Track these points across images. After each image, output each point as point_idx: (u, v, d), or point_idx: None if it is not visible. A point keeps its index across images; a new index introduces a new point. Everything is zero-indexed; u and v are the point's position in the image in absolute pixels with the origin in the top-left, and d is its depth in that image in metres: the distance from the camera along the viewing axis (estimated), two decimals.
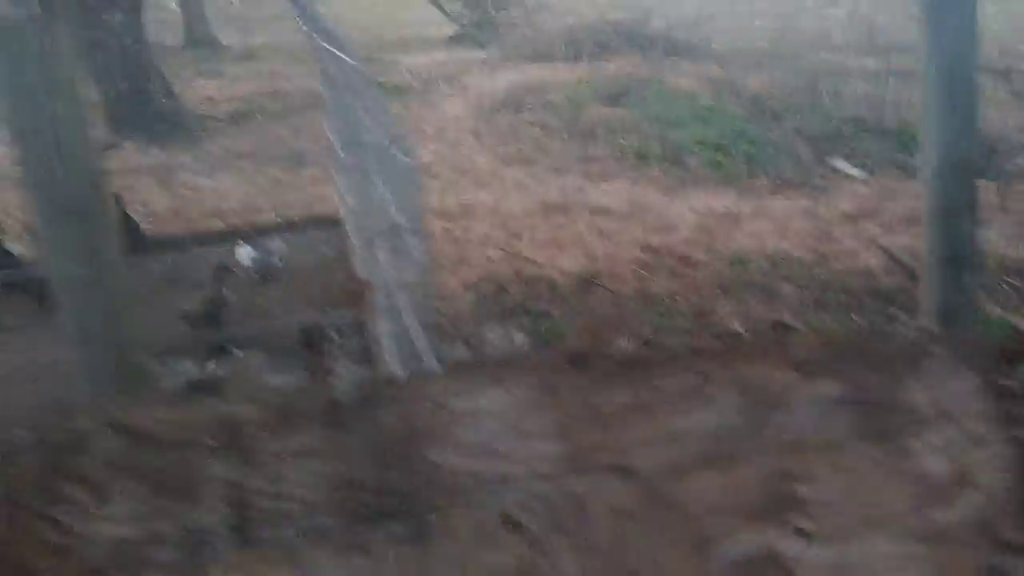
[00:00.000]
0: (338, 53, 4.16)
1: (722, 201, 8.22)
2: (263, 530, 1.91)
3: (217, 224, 7.81)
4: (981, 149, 2.70)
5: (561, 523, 2.05)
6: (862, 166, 9.19)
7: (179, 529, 1.88)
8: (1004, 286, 6.34)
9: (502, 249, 7.09)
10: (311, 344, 5.26)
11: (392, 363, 3.03)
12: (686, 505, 2.17)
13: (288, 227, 7.53)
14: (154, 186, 8.70)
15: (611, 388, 2.38)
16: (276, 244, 6.63)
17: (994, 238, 6.84)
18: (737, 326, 5.50)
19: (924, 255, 2.88)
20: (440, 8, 17.73)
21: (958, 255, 2.65)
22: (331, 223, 7.13)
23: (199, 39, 20.54)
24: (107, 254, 1.95)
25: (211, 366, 4.76)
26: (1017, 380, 3.11)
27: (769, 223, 7.73)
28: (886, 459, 2.25)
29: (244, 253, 6.42)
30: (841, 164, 9.22)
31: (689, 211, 7.97)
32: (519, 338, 5.73)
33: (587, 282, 6.35)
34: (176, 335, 5.66)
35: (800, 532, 2.09)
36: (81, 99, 1.90)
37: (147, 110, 9.88)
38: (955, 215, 2.62)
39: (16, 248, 6.42)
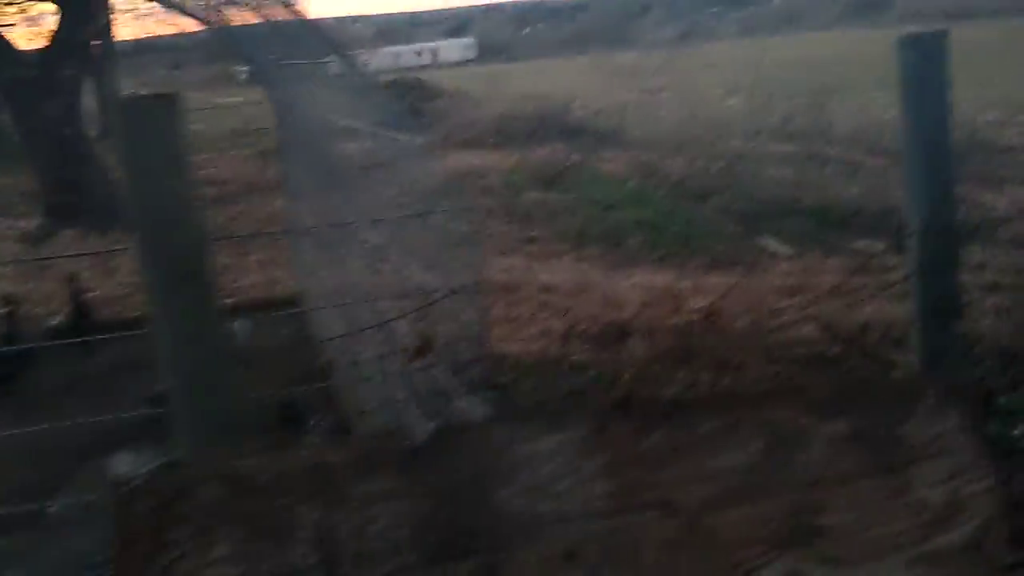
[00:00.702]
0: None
1: (661, 279, 8.62)
2: (352, 568, 2.07)
3: None
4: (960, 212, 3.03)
5: (616, 555, 2.25)
6: (789, 245, 9.73)
7: (277, 570, 2.03)
8: None
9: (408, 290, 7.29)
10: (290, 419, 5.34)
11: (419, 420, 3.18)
12: (723, 536, 2.40)
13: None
14: (97, 275, 8.68)
15: (653, 432, 2.61)
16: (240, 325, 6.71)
17: None
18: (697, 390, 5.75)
19: (913, 308, 3.19)
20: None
21: (944, 307, 2.98)
22: (288, 304, 7.26)
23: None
24: (212, 313, 2.12)
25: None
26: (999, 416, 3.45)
27: (709, 298, 8.12)
28: (893, 490, 2.52)
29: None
30: (769, 242, 9.75)
31: (632, 289, 8.33)
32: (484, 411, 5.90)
33: (553, 358, 6.58)
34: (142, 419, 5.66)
35: (824, 557, 2.34)
36: (193, 173, 2.09)
37: (86, 198, 9.88)
38: (940, 269, 2.95)
39: None
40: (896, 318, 7.44)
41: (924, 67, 2.82)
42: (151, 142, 2.05)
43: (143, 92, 2.19)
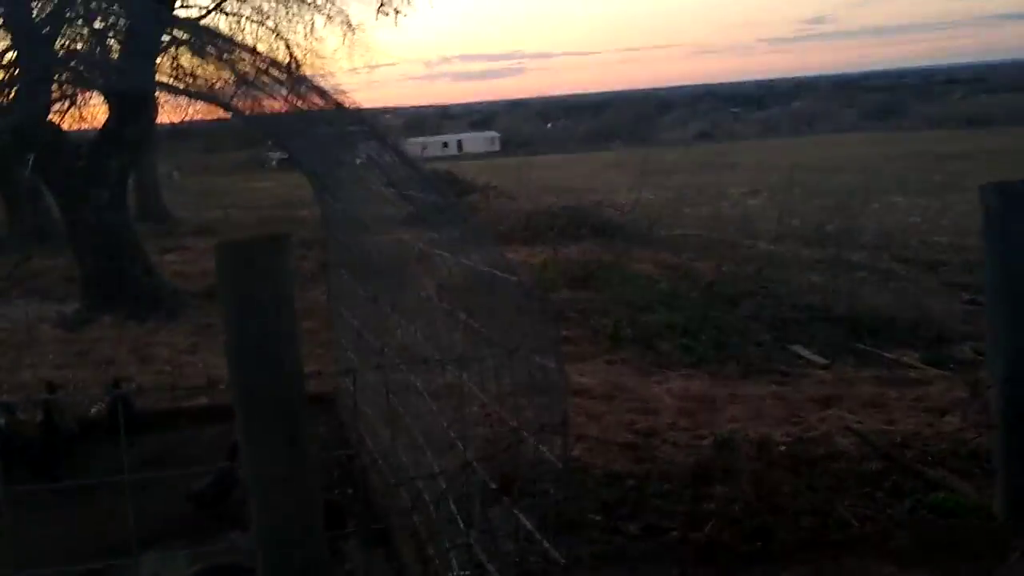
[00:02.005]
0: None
1: (696, 384, 8.58)
2: None
3: (203, 401, 7.86)
4: None
5: None
6: (821, 353, 9.70)
7: None
8: None
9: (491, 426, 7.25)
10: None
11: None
12: None
13: None
14: (136, 361, 8.73)
15: None
16: None
17: None
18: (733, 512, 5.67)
19: (997, 454, 3.16)
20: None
21: None
22: (321, 401, 7.25)
23: (152, 212, 20.78)
24: (309, 456, 2.14)
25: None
26: None
27: (744, 408, 8.07)
28: None
29: None
30: (802, 351, 9.72)
31: (667, 394, 8.30)
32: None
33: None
34: (181, 516, 5.61)
35: None
36: (295, 315, 2.13)
37: (126, 285, 9.99)
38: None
39: None
40: (934, 433, 7.38)
41: (1009, 216, 2.83)
42: (258, 285, 2.09)
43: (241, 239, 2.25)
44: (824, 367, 9.36)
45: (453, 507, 3.52)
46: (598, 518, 5.87)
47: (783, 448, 7.16)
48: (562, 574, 2.46)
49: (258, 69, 5.35)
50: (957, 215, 21.27)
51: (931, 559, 2.52)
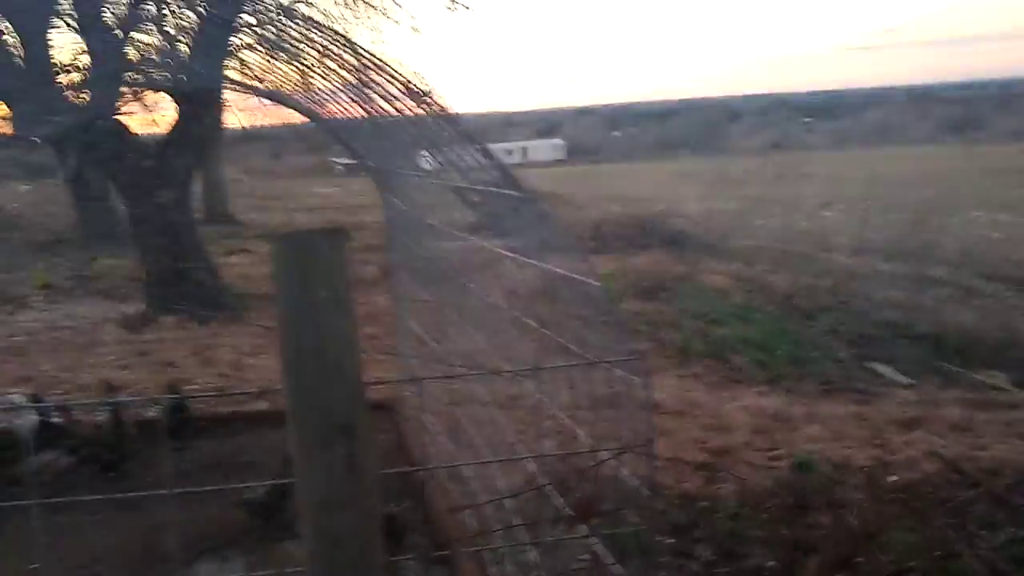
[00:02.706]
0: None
1: (771, 402, 8.20)
2: None
3: (262, 405, 7.72)
4: None
5: None
6: (904, 372, 9.24)
7: None
8: None
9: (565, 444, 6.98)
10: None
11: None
12: None
13: None
14: (197, 364, 8.63)
15: None
16: None
17: None
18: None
19: None
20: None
21: None
22: (384, 408, 7.06)
23: (218, 215, 20.94)
24: (369, 475, 1.88)
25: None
26: None
27: (823, 428, 7.68)
28: None
29: None
30: (884, 369, 9.27)
31: (741, 411, 7.94)
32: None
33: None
34: (236, 524, 5.45)
35: None
36: (355, 316, 1.88)
37: (189, 286, 9.93)
38: None
39: None
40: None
41: None
42: (315, 282, 1.85)
43: (303, 231, 2.00)
44: (907, 387, 8.90)
45: (522, 529, 3.26)
46: (669, 541, 5.57)
47: (865, 471, 6.80)
48: None
49: (326, 72, 5.18)
50: None
51: None
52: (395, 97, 3.09)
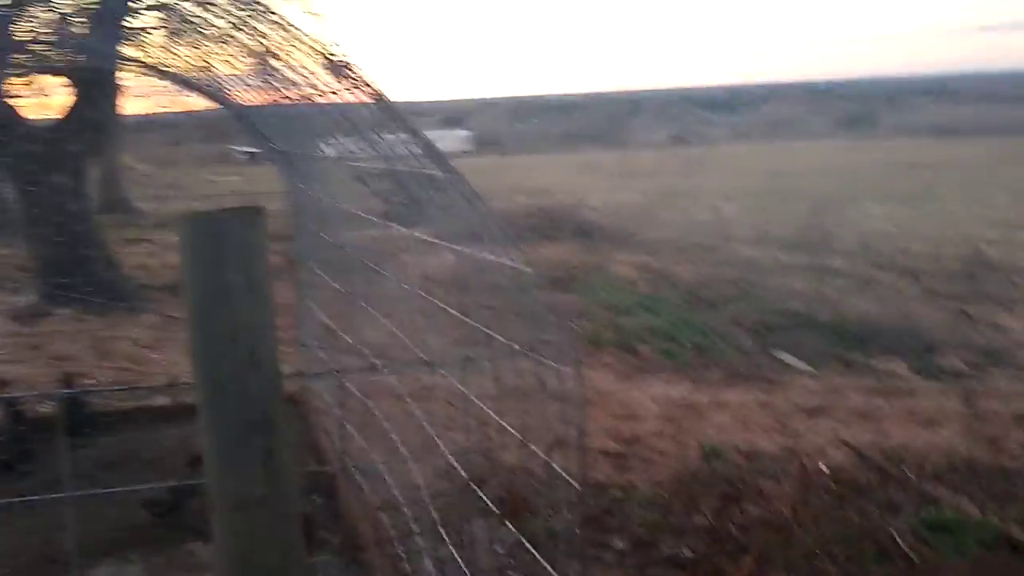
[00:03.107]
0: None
1: (679, 390, 8.28)
2: None
3: (165, 400, 7.45)
4: None
5: None
6: (807, 360, 9.45)
7: None
8: None
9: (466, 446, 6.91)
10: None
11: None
12: None
13: None
14: (95, 357, 8.29)
15: None
16: None
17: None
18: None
19: None
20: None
21: None
22: (292, 402, 6.88)
23: (115, 203, 20.24)
24: (288, 472, 1.77)
25: None
26: None
27: (730, 416, 7.79)
28: None
29: None
30: (787, 357, 9.46)
31: (650, 400, 8.00)
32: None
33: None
34: (138, 525, 5.24)
35: None
36: (271, 301, 1.77)
37: (85, 276, 9.53)
38: None
39: None
40: (927, 446, 7.15)
41: None
42: (229, 266, 1.73)
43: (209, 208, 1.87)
44: (810, 375, 9.10)
45: (439, 525, 3.17)
46: (582, 531, 5.56)
47: (771, 459, 6.91)
48: None
49: (230, 57, 4.99)
50: (932, 223, 21.25)
51: None
52: (308, 76, 2.96)
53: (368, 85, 2.01)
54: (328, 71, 2.08)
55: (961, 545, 5.01)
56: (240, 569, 1.83)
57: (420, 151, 2.45)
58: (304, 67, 2.38)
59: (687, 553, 5.11)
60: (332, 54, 2.04)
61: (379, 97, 2.06)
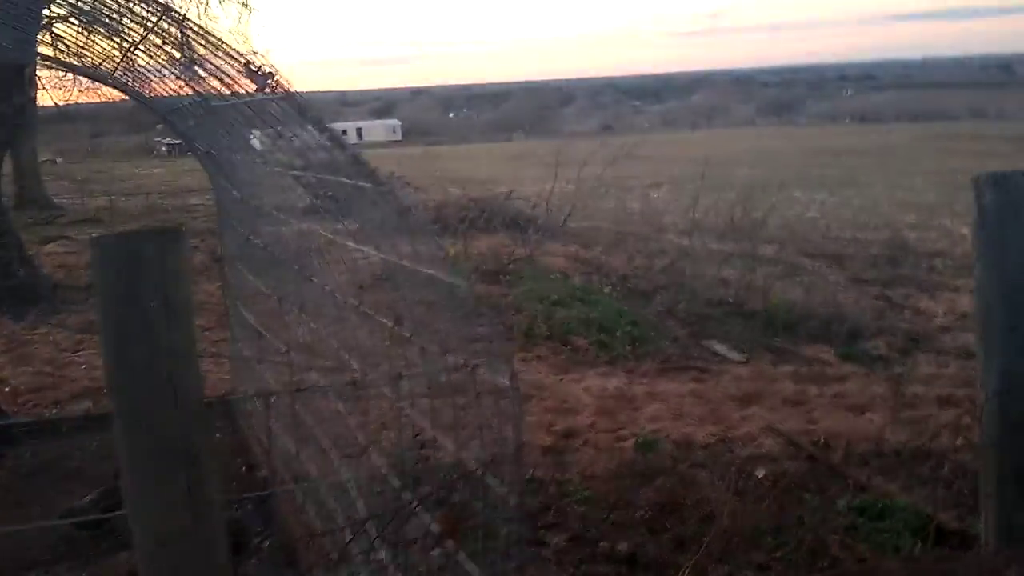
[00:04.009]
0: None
1: (613, 382, 8.30)
2: None
3: (87, 406, 7.23)
4: None
5: None
6: (738, 349, 9.55)
7: None
8: None
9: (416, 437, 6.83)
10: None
11: None
12: None
13: None
14: (10, 362, 8.00)
15: None
16: None
17: None
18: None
19: (986, 476, 2.88)
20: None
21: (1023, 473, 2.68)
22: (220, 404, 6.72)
23: (32, 199, 19.61)
24: (213, 505, 1.69)
25: None
26: None
27: (664, 406, 7.83)
28: None
29: None
30: (718, 347, 9.55)
31: (585, 392, 8.00)
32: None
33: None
34: (59, 536, 5.07)
35: None
36: (194, 327, 1.68)
37: (0, 277, 9.21)
38: (1020, 435, 2.64)
39: None
40: (855, 432, 7.26)
41: (1006, 212, 2.51)
42: (146, 291, 1.64)
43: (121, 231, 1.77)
44: (742, 363, 9.20)
45: (374, 528, 3.10)
46: (518, 528, 5.52)
47: (705, 449, 6.96)
48: None
49: (150, 47, 4.82)
50: (855, 209, 21.70)
51: None
52: (228, 76, 2.86)
53: (285, 90, 1.93)
54: (248, 78, 1.99)
55: (892, 532, 5.10)
56: None
57: (336, 151, 2.37)
58: (223, 71, 2.29)
59: (625, 548, 5.11)
60: (252, 63, 1.96)
61: (291, 95, 1.98)
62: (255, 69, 1.95)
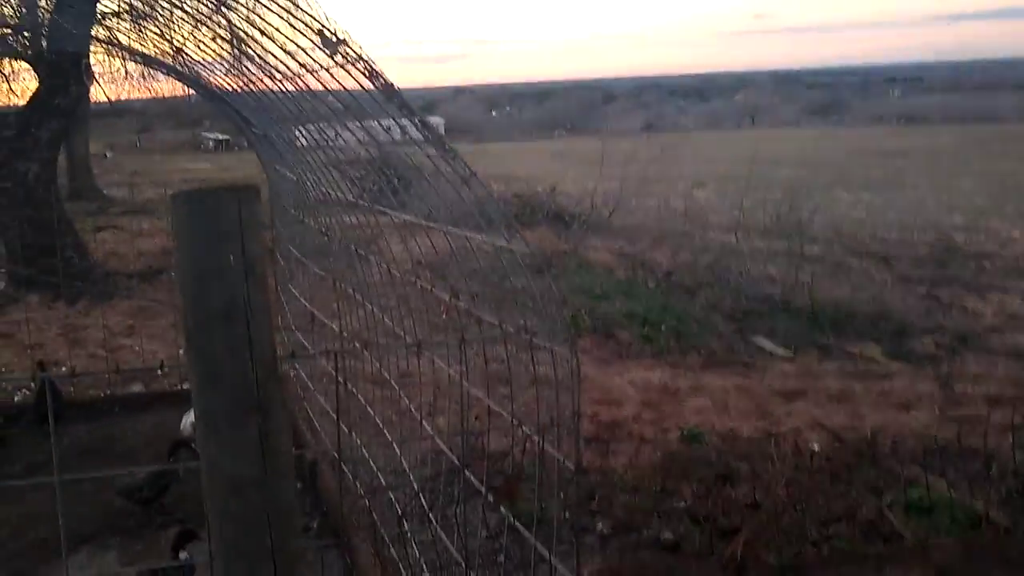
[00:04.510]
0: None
1: (658, 375, 8.30)
2: None
3: (139, 388, 7.36)
4: None
5: None
6: (784, 345, 9.49)
7: None
8: None
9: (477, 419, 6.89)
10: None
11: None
12: None
13: None
14: (66, 345, 8.16)
15: None
16: None
17: None
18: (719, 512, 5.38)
19: None
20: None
21: None
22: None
23: (84, 191, 19.96)
24: (283, 454, 1.73)
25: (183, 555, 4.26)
26: None
27: (708, 400, 7.81)
28: None
29: (188, 421, 5.99)
30: (764, 342, 9.50)
31: (629, 385, 8.00)
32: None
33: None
34: (113, 512, 5.17)
35: None
36: (269, 281, 1.73)
37: (55, 263, 9.38)
38: None
39: None
40: (902, 428, 7.20)
41: None
42: (223, 244, 1.68)
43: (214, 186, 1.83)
44: (787, 359, 9.14)
45: (427, 510, 3.14)
46: (566, 515, 5.54)
47: (749, 442, 6.93)
48: None
49: (202, 41, 4.90)
50: (900, 210, 21.41)
51: (977, 572, 2.21)
52: (299, 54, 2.89)
53: (364, 61, 1.97)
54: (323, 48, 2.02)
55: (940, 525, 5.06)
56: (234, 551, 1.79)
57: (415, 134, 2.40)
58: (296, 44, 2.32)
59: (669, 536, 5.13)
60: (328, 29, 1.99)
61: (376, 75, 2.02)
62: (330, 37, 1.98)
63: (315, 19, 2.00)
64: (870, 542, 4.11)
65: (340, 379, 4.80)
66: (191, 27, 4.93)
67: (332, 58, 2.04)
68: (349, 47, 1.95)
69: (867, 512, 4.62)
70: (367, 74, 1.98)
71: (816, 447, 6.27)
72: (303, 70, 2.53)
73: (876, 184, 28.54)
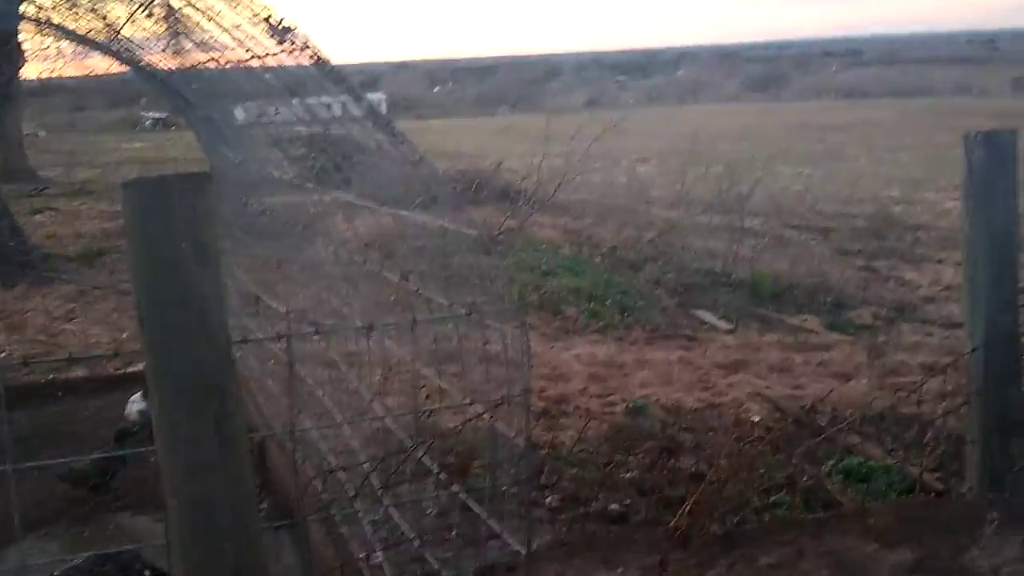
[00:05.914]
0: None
1: (604, 350, 8.41)
2: None
3: (81, 372, 7.27)
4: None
5: None
6: (725, 318, 9.67)
7: None
8: None
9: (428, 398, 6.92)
10: None
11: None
12: None
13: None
14: (4, 330, 8.02)
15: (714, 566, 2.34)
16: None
17: None
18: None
19: (971, 424, 2.99)
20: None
21: (1007, 423, 2.78)
22: None
23: (17, 171, 19.48)
24: (239, 438, 1.77)
25: None
26: None
27: (653, 373, 7.94)
28: None
29: (135, 408, 5.94)
30: (706, 315, 9.67)
31: (576, 360, 8.10)
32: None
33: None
34: (56, 499, 5.14)
35: None
36: (222, 267, 1.76)
37: None
38: (1003, 385, 2.74)
39: None
40: (840, 398, 7.40)
41: (994, 170, 2.59)
42: (176, 232, 1.71)
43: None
44: (729, 332, 9.32)
45: (376, 488, 3.19)
46: (514, 490, 5.62)
47: (693, 413, 7.08)
48: (529, 566, 2.17)
49: (134, 20, 4.85)
50: (840, 183, 21.80)
51: (911, 536, 2.32)
52: (244, 39, 2.89)
53: (308, 47, 1.99)
54: (270, 35, 2.04)
55: (876, 491, 5.23)
56: (193, 534, 1.83)
57: (357, 112, 2.43)
58: (240, 30, 2.32)
59: (616, 507, 5.23)
60: (274, 18, 2.00)
61: (319, 59, 2.04)
62: (276, 26, 2.00)
63: (262, 8, 2.01)
64: (810, 509, 4.25)
65: (289, 363, 4.81)
66: (125, 5, 4.87)
67: (280, 44, 2.05)
68: (294, 34, 1.97)
69: (807, 480, 4.76)
70: (311, 57, 2.00)
71: (757, 418, 6.43)
72: (247, 54, 2.54)
73: (816, 158, 29.00)
